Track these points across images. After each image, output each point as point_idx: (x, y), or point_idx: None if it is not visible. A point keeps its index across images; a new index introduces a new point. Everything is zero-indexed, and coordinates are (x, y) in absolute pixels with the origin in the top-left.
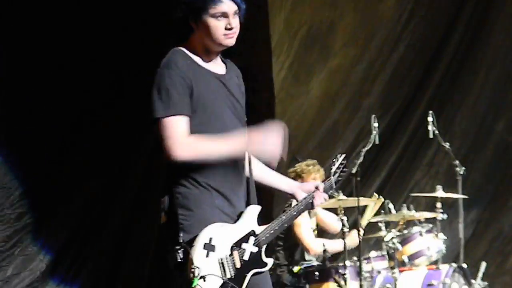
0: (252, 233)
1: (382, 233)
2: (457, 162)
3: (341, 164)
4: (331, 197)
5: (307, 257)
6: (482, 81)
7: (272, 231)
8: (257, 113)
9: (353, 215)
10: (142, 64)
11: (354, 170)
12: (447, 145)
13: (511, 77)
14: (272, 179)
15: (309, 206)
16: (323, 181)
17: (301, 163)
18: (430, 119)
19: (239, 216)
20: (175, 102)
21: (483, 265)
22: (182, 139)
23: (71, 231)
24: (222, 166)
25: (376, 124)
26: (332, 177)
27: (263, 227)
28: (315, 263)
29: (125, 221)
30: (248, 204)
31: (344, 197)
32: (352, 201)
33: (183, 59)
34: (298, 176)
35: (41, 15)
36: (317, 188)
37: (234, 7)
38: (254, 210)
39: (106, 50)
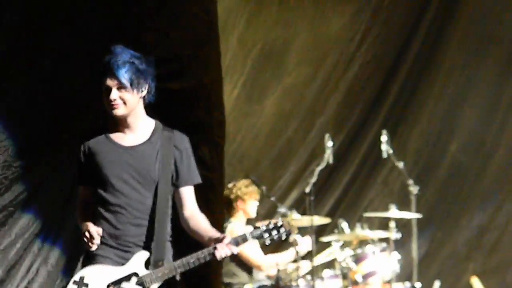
0: (135, 274)
1: (336, 252)
2: (410, 181)
3: (276, 227)
4: (284, 216)
5: (258, 276)
6: (435, 101)
7: (159, 274)
8: (210, 132)
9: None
10: None
11: (308, 189)
12: (401, 164)
13: (464, 97)
14: (201, 233)
15: (211, 257)
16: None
17: (237, 185)
18: (383, 138)
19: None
20: (78, 174)
21: (437, 284)
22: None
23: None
24: (112, 218)
25: (330, 144)
26: (250, 232)
27: (149, 271)
28: (267, 282)
29: None
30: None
31: (298, 216)
32: (306, 221)
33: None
34: (239, 198)
35: None
36: (220, 240)
37: (115, 82)
38: (141, 255)
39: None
